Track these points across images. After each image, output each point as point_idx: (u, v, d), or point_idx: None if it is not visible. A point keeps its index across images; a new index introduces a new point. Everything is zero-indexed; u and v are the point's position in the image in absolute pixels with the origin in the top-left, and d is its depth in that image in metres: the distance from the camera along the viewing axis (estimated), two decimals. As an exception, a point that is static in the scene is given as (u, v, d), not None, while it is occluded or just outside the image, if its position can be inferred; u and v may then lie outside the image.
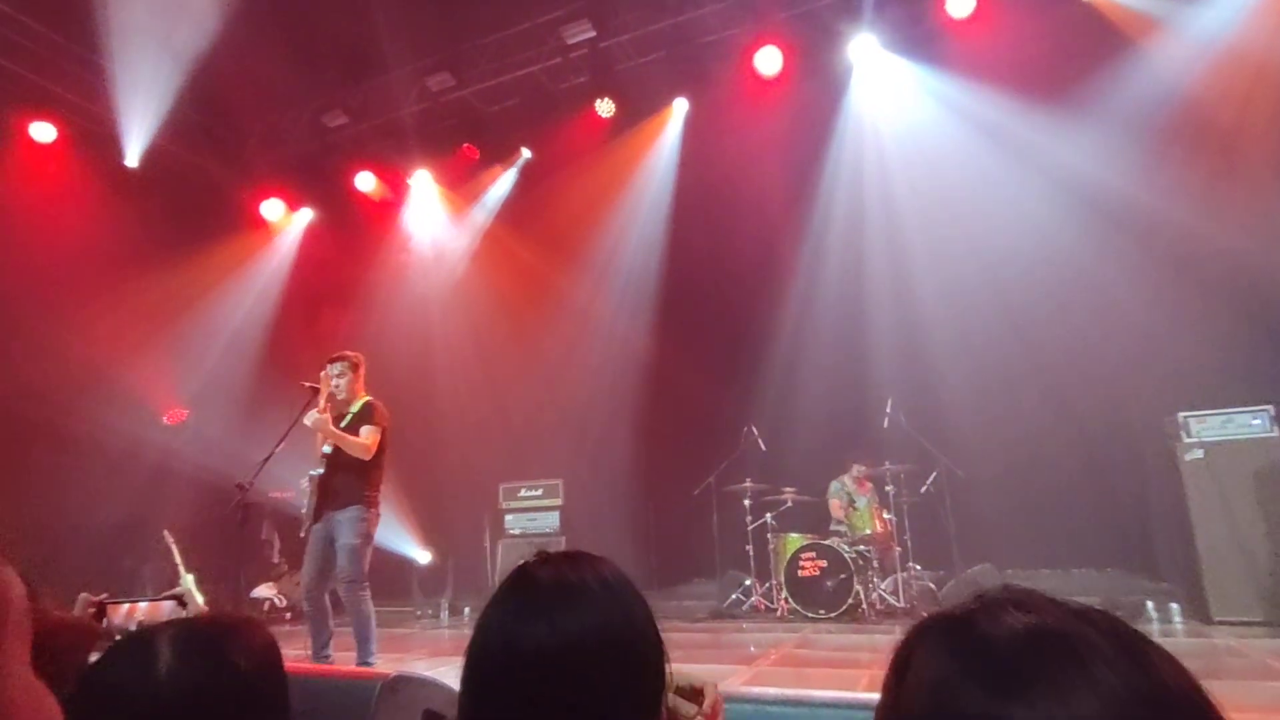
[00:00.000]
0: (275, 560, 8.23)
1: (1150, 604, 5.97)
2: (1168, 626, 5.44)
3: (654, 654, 0.93)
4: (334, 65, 8.22)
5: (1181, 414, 5.62)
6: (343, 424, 4.70)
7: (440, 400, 8.67)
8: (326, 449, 4.65)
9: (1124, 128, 6.21)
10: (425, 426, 7.90)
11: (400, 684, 2.07)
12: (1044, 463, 7.17)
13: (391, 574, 7.92)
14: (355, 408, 4.75)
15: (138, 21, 7.00)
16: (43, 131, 7.86)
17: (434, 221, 9.38)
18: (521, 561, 0.98)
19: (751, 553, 6.95)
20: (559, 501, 7.82)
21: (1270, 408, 5.35)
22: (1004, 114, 6.75)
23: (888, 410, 6.83)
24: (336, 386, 4.74)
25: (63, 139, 7.95)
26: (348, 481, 4.58)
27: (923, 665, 0.55)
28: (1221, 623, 5.15)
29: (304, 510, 4.71)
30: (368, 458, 4.61)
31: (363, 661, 4.52)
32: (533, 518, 7.86)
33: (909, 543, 6.70)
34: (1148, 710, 0.48)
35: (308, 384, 4.83)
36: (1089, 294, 6.83)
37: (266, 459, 4.65)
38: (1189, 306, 6.00)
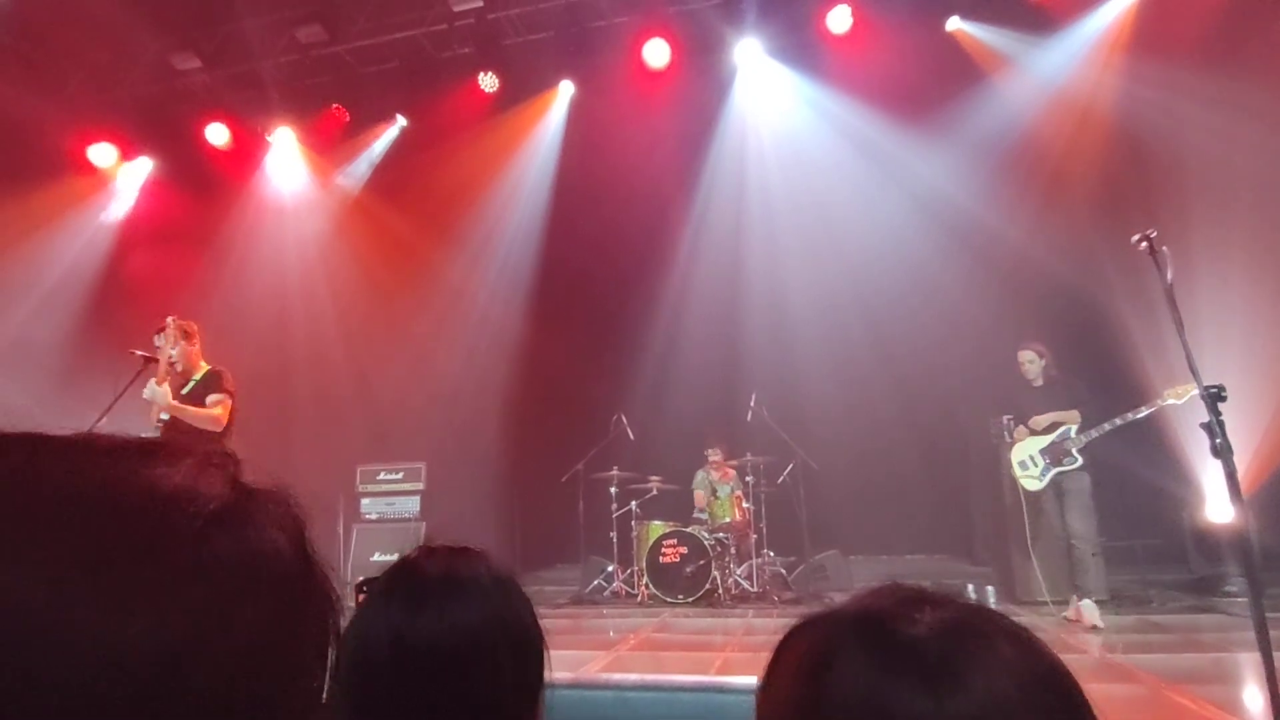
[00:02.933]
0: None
1: (970, 586, 6.61)
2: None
3: (538, 644, 0.96)
4: (191, 2, 7.48)
5: (1006, 416, 6.23)
6: (184, 392, 4.39)
7: (296, 374, 8.25)
8: (164, 416, 4.29)
9: (973, 152, 6.85)
10: (277, 402, 7.43)
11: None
12: (887, 456, 7.75)
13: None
14: (198, 376, 4.46)
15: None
16: None
17: (295, 184, 8.81)
18: (404, 554, 0.98)
19: (615, 539, 7.04)
20: (420, 485, 7.65)
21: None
22: (872, 128, 7.23)
23: (751, 404, 7.12)
24: (170, 357, 4.40)
25: None
26: None
27: (849, 671, 0.55)
28: (1025, 603, 5.79)
29: None
30: (218, 429, 4.30)
31: None
32: (391, 502, 7.65)
33: (764, 530, 6.97)
34: (1042, 685, 0.54)
35: (139, 352, 4.48)
36: (935, 301, 7.45)
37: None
38: (1016, 318, 6.68)
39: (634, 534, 7.00)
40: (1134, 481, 6.18)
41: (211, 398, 4.36)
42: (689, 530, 6.72)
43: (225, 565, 0.37)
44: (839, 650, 0.56)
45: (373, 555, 7.28)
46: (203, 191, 8.65)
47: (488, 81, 7.70)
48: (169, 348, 4.40)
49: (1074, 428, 5.35)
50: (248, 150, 8.53)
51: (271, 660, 0.38)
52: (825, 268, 7.72)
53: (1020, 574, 5.97)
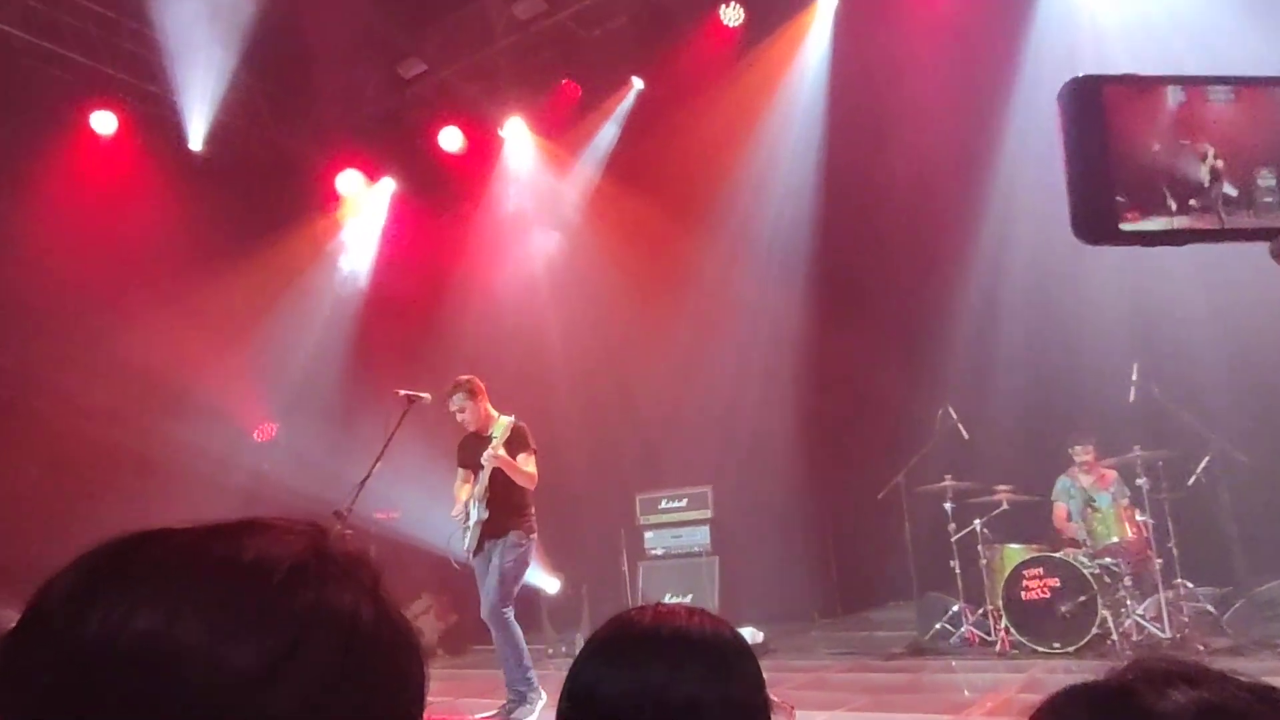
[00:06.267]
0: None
1: None
2: None
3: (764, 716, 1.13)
4: (405, 6, 8.64)
5: None
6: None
7: (558, 396, 9.01)
8: (482, 482, 5.57)
9: None
10: (543, 428, 7.96)
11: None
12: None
13: (517, 607, 8.40)
14: (497, 432, 5.55)
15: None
16: (103, 122, 8.92)
17: (533, 179, 9.70)
18: (624, 613, 1.20)
19: (958, 569, 6.96)
20: (708, 513, 8.10)
21: None
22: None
23: (1134, 379, 6.54)
24: (463, 420, 5.70)
25: (124, 128, 8.99)
26: (506, 511, 5.61)
27: None
28: None
29: (465, 543, 5.69)
30: (533, 486, 5.67)
31: (516, 683, 5.40)
32: (677, 534, 8.17)
33: (1173, 552, 6.46)
34: None
35: (404, 392, 5.50)
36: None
37: (364, 480, 5.24)
38: None
39: (982, 562, 6.92)
40: None
41: (521, 457, 5.57)
42: (1059, 556, 6.52)
43: (296, 611, 0.55)
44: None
45: (664, 597, 7.41)
46: (444, 202, 9.95)
47: (731, 14, 7.95)
48: (458, 415, 5.68)
49: None
50: (482, 150, 9.60)
51: (344, 694, 0.55)
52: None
53: None
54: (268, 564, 0.57)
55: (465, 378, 5.75)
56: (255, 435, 9.43)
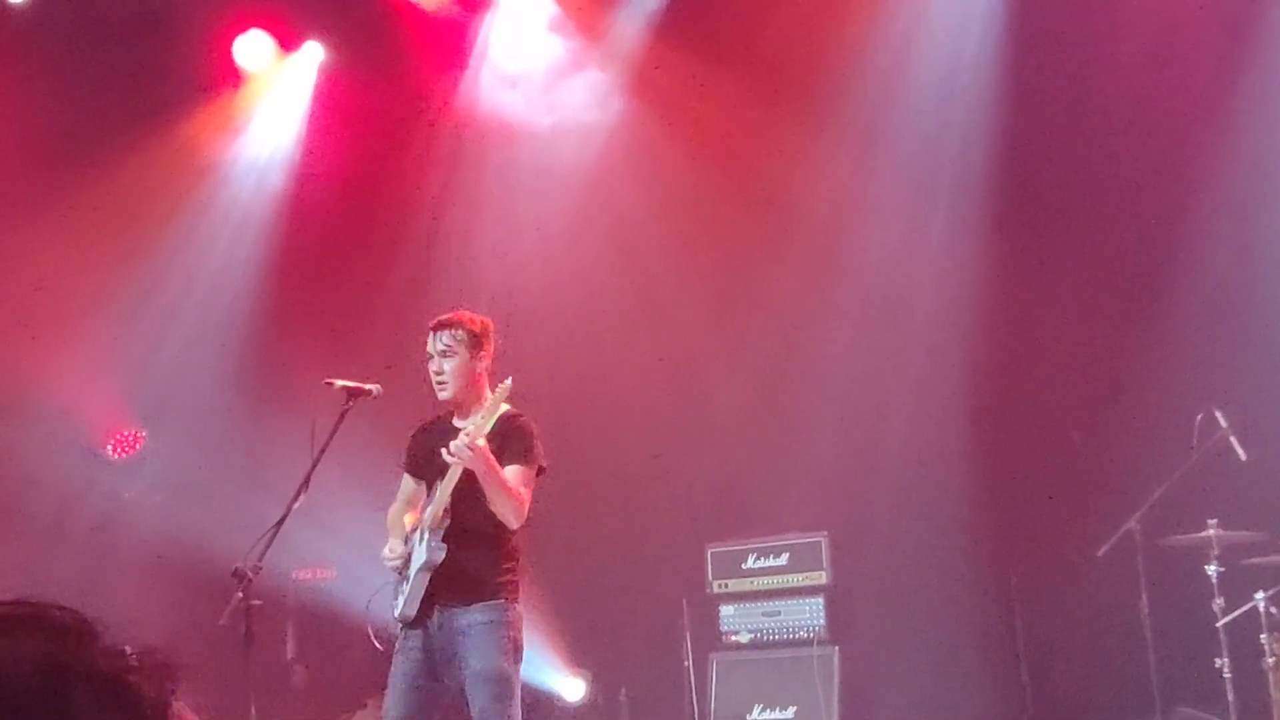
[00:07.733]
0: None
1: None
2: None
3: None
4: None
5: None
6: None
7: (585, 396, 8.90)
8: (442, 496, 5.07)
9: None
10: (563, 447, 7.66)
11: None
12: None
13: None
14: (483, 420, 5.03)
15: None
16: None
17: (544, 47, 9.42)
18: None
19: (1227, 672, 6.72)
20: (822, 577, 7.84)
21: None
22: None
23: None
24: (437, 380, 5.16)
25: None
26: (478, 556, 5.06)
27: None
28: None
29: (397, 605, 5.12)
30: (518, 523, 5.06)
31: None
32: (773, 609, 7.94)
33: None
34: None
35: (340, 383, 5.37)
36: None
37: (280, 520, 5.14)
38: None
39: (1269, 660, 6.69)
40: None
41: (514, 470, 5.02)
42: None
43: None
44: None
45: (750, 711, 7.61)
46: (400, 80, 9.47)
47: None
48: (439, 362, 5.12)
49: None
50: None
51: None
52: None
53: None
54: None
55: (470, 315, 5.32)
56: (109, 449, 9.01)
